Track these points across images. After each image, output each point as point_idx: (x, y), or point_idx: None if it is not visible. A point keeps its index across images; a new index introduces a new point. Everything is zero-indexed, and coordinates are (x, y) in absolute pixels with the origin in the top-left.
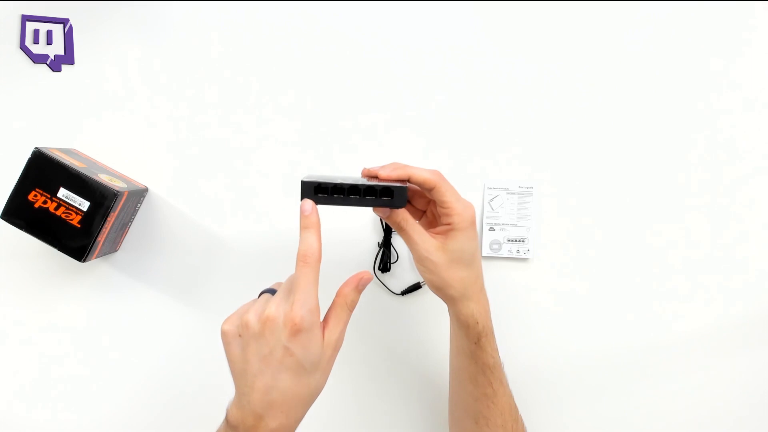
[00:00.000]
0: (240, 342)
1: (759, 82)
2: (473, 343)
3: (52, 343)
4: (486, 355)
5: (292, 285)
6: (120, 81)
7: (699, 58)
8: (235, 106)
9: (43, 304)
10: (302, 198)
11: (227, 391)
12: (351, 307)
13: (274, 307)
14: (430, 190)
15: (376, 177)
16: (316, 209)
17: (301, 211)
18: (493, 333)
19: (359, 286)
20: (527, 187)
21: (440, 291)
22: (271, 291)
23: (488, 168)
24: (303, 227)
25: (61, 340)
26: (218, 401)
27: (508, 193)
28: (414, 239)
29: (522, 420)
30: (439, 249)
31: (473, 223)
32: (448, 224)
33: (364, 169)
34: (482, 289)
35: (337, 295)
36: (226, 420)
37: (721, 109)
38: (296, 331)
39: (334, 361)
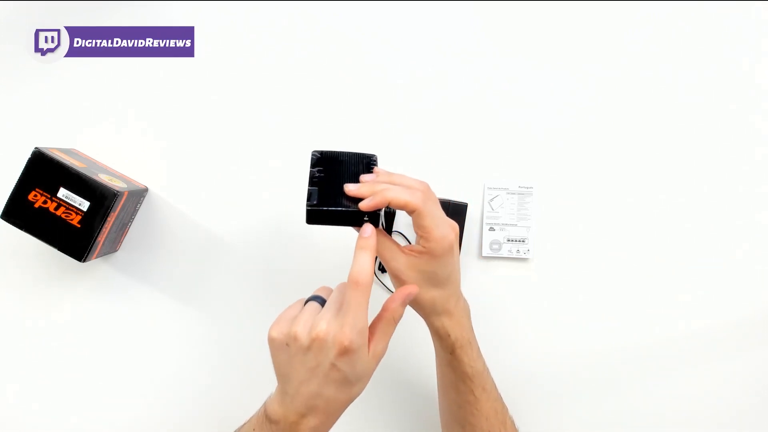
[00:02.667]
0: (287, 351)
1: (759, 82)
2: (449, 353)
3: (52, 343)
4: (463, 365)
5: (342, 305)
6: (120, 81)
7: (699, 59)
8: (235, 107)
9: (43, 304)
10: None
11: (227, 390)
12: (396, 321)
13: (325, 324)
14: (411, 213)
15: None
16: (375, 233)
17: (361, 232)
18: (471, 343)
19: (405, 300)
20: (527, 187)
21: (412, 306)
22: (318, 299)
23: (488, 168)
24: (359, 247)
25: (61, 340)
26: (218, 401)
27: (508, 193)
28: (385, 257)
29: (512, 421)
30: (410, 268)
31: (450, 250)
32: (424, 248)
33: (345, 187)
34: (457, 304)
35: (383, 309)
36: (266, 415)
37: (720, 109)
38: (345, 351)
39: (375, 369)
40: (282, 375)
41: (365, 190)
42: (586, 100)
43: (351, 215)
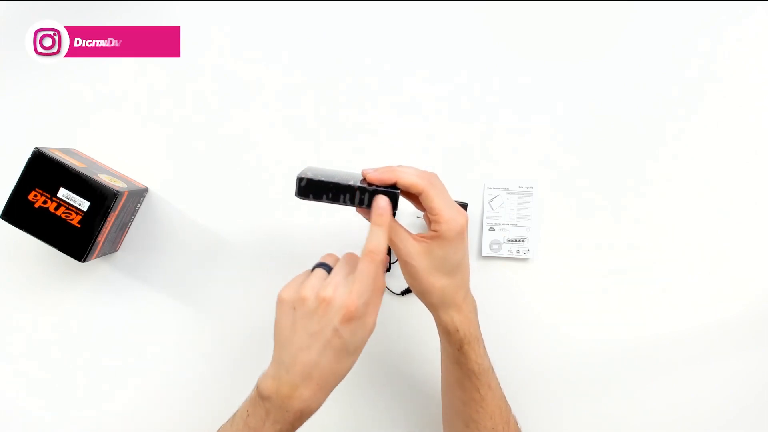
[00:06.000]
0: (293, 314)
1: (759, 82)
2: (456, 349)
3: (52, 343)
4: (470, 361)
5: (352, 273)
6: (120, 81)
7: (699, 59)
8: (234, 106)
9: (43, 304)
10: (296, 192)
11: (226, 389)
12: (383, 292)
13: (332, 289)
14: (418, 195)
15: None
16: (390, 207)
17: (375, 208)
18: (478, 340)
19: (385, 270)
20: (527, 187)
21: (421, 296)
22: (324, 266)
23: (488, 168)
24: (375, 224)
25: (61, 340)
26: (218, 400)
27: (508, 193)
28: (395, 243)
29: (515, 420)
30: (421, 254)
31: (462, 233)
32: (436, 231)
33: (363, 170)
34: (466, 298)
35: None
36: (258, 392)
37: (721, 110)
38: (350, 318)
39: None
40: (282, 341)
41: (374, 174)
42: (586, 100)
43: (347, 189)
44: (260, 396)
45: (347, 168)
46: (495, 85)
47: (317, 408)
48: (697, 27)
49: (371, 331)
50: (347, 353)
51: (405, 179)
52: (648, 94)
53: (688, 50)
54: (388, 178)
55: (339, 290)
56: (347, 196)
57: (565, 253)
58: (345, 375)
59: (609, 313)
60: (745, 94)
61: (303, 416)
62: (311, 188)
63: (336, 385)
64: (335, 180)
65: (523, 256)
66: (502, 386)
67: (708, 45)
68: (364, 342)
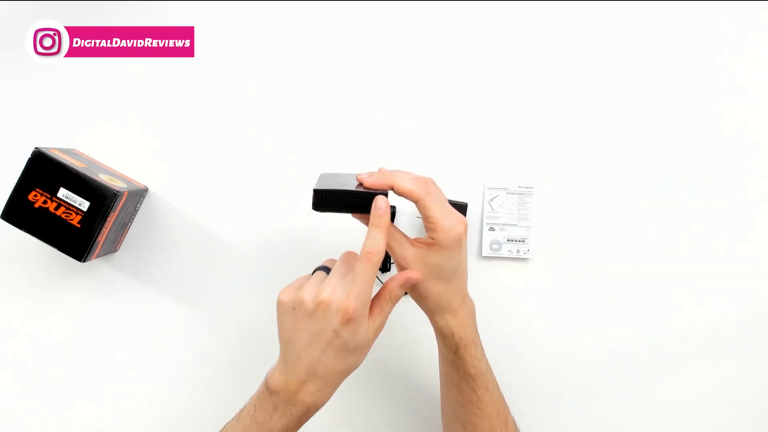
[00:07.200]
0: (293, 314)
1: (760, 81)
2: (452, 352)
3: (51, 343)
4: (466, 365)
5: (350, 275)
6: (120, 81)
7: (700, 58)
8: (235, 107)
9: (43, 304)
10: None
11: (227, 390)
12: (394, 301)
13: (329, 290)
14: (415, 202)
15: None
16: (389, 209)
17: (374, 209)
18: (475, 343)
19: (405, 283)
20: (527, 187)
21: (417, 300)
22: (325, 269)
23: (488, 168)
24: (373, 225)
25: (61, 340)
26: (218, 400)
27: (508, 193)
28: (392, 247)
29: (513, 421)
30: (417, 260)
31: (459, 242)
32: (432, 239)
33: (358, 175)
34: (463, 302)
35: (382, 288)
36: (267, 386)
37: (721, 109)
38: (348, 319)
39: (373, 343)
40: (286, 340)
41: (370, 179)
42: (586, 100)
43: (359, 197)
44: (269, 390)
45: (344, 169)
46: (495, 84)
47: (324, 403)
48: (697, 27)
49: (375, 332)
50: (349, 351)
51: (401, 186)
52: (648, 94)
53: (688, 50)
54: (384, 183)
55: (336, 292)
56: (344, 202)
57: (565, 253)
58: (351, 371)
59: (609, 313)
60: (746, 94)
61: (310, 411)
62: (324, 200)
63: (342, 380)
64: (329, 187)
65: (523, 256)
66: (501, 387)
67: (708, 45)
68: (369, 339)
